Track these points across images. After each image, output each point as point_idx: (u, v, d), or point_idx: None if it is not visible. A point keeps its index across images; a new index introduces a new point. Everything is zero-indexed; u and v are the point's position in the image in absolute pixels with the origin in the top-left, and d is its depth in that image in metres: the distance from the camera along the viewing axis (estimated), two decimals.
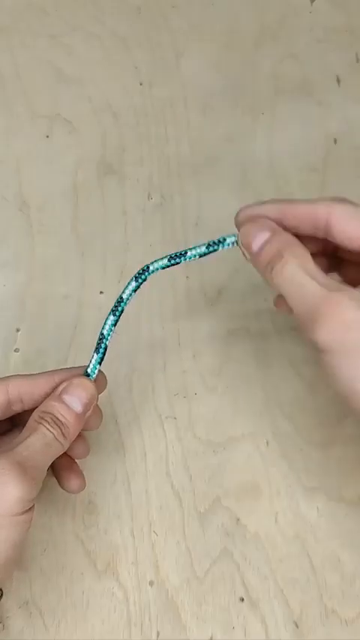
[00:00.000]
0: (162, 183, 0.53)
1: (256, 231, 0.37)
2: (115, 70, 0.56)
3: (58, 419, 0.37)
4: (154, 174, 0.53)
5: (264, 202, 0.39)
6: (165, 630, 0.41)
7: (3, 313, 0.49)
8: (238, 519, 0.44)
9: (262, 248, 0.37)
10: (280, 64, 0.56)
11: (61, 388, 0.38)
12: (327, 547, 0.43)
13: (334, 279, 0.37)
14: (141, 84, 0.56)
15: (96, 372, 0.40)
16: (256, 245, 0.37)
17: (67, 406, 0.38)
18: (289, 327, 0.48)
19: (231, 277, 0.50)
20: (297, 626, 0.41)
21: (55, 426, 0.37)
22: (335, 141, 0.54)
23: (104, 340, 0.39)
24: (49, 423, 0.37)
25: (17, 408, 0.40)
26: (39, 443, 0.36)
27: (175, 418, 0.46)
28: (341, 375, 0.34)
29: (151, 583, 0.42)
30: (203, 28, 0.57)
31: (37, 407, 0.38)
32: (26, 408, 0.40)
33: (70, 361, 0.47)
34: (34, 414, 0.38)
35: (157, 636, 0.41)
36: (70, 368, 0.40)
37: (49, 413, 0.37)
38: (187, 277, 0.50)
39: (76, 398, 0.38)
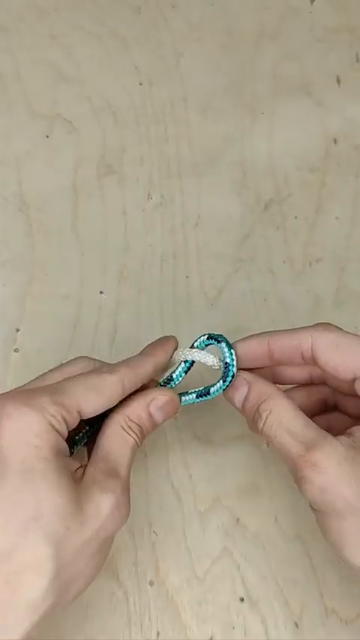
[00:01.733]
0: (162, 183, 0.53)
1: (235, 389, 0.38)
2: (115, 70, 0.56)
3: (143, 432, 0.37)
4: (154, 174, 0.53)
5: (251, 336, 0.39)
6: (165, 630, 0.41)
7: (3, 313, 0.49)
8: (238, 519, 0.44)
9: (243, 405, 0.38)
10: (280, 64, 0.56)
11: (152, 400, 0.37)
12: (327, 547, 0.42)
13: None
14: (141, 84, 0.56)
15: (182, 400, 0.39)
16: (238, 402, 0.38)
17: (154, 420, 0.37)
18: (289, 327, 0.48)
19: (231, 277, 0.50)
20: (297, 626, 0.41)
21: (142, 438, 0.37)
22: (335, 141, 0.54)
23: (209, 396, 0.39)
24: (138, 437, 0.36)
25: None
26: (130, 456, 0.36)
27: (175, 418, 0.46)
28: (330, 534, 0.35)
29: (151, 583, 0.42)
30: (203, 28, 0.57)
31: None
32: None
33: None
34: (121, 420, 0.36)
35: (157, 636, 0.41)
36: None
37: (138, 425, 0.37)
38: (187, 277, 0.50)
39: (164, 413, 0.38)
